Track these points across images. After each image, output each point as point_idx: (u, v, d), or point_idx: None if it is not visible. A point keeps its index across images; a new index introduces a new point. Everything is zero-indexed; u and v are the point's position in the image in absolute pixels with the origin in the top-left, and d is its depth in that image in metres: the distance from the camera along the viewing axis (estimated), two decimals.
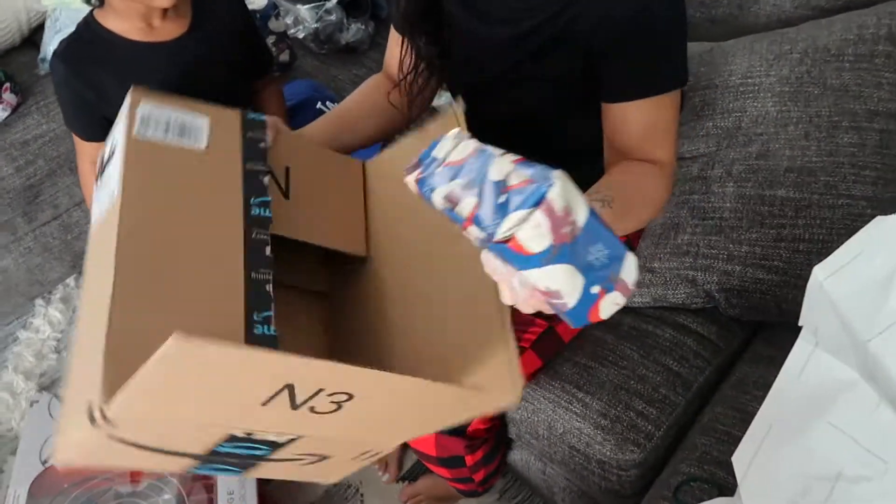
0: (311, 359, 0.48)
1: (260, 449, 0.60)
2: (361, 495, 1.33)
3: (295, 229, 0.71)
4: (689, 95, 1.02)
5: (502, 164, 0.50)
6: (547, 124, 0.87)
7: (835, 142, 0.89)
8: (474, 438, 0.94)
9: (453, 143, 0.54)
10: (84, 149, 1.02)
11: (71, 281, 1.78)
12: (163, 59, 0.94)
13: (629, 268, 0.53)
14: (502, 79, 0.83)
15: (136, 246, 0.60)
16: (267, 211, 0.68)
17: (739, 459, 0.68)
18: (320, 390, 0.52)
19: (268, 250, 0.66)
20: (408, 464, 1.32)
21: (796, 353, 0.69)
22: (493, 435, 1.00)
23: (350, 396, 0.53)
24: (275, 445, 0.59)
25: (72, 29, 1.39)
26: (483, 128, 0.68)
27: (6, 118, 1.48)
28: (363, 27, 1.46)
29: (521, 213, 0.46)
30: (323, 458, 0.65)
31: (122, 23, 0.92)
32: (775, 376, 0.89)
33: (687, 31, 0.75)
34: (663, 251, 0.98)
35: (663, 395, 0.91)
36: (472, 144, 0.53)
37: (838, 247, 0.68)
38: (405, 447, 1.31)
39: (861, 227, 0.64)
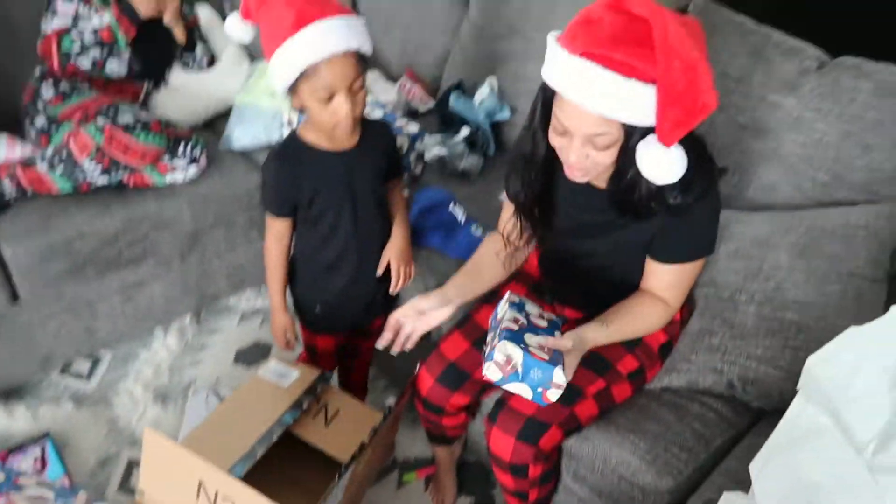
0: (212, 466, 1.13)
1: None
2: None
3: (315, 438, 1.37)
4: (727, 243, 1.43)
5: (493, 334, 1.14)
6: (608, 273, 1.29)
7: (827, 289, 1.29)
8: (542, 451, 1.24)
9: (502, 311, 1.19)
10: (273, 223, 1.40)
11: (187, 318, 2.13)
12: (339, 162, 1.35)
13: (558, 377, 1.05)
14: (587, 244, 1.27)
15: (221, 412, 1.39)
16: (292, 418, 1.34)
17: (754, 466, 1.02)
18: (217, 492, 1.12)
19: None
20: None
21: (796, 403, 1.05)
22: (554, 458, 1.31)
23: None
24: None
25: (255, 121, 1.88)
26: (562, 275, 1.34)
27: (197, 176, 1.91)
28: (477, 160, 1.93)
29: (486, 363, 1.08)
30: None
31: (315, 136, 1.33)
32: None
33: (718, 220, 1.19)
34: (699, 347, 1.35)
35: (692, 445, 1.25)
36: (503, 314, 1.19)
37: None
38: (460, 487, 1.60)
39: None
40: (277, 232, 1.41)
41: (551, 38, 1.04)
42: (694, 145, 1.06)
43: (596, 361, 1.27)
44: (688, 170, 1.03)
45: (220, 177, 1.95)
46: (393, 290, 1.48)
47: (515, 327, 1.11)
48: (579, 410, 1.24)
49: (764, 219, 1.45)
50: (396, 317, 1.29)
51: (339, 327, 1.56)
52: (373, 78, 2.31)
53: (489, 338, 1.16)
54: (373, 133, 1.38)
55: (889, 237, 1.34)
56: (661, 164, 1.01)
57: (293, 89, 1.23)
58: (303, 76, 1.19)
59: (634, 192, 1.09)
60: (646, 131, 1.01)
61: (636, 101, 0.97)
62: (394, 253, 1.45)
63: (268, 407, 1.37)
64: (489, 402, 1.44)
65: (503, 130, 2.06)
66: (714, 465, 1.25)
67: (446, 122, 2.05)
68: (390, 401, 1.37)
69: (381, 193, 1.43)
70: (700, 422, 1.29)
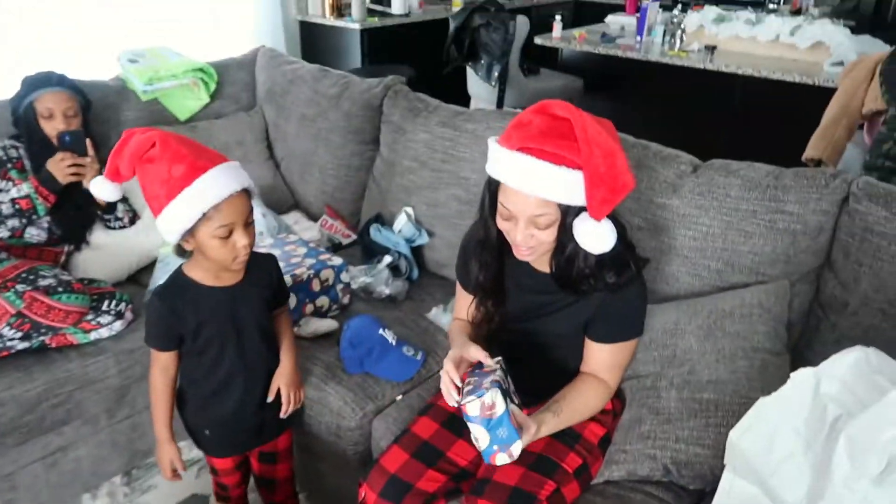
0: None
1: None
2: None
3: None
4: (641, 336, 1.53)
5: (484, 379, 1.20)
6: (555, 351, 1.38)
7: (735, 365, 1.40)
8: None
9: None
10: (158, 356, 1.43)
11: (117, 479, 2.03)
12: (224, 296, 1.40)
13: (516, 448, 1.15)
14: (533, 322, 1.37)
15: None
16: None
17: None
18: None
19: None
20: None
21: (725, 479, 1.11)
22: None
23: None
24: None
25: None
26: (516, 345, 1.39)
27: (122, 331, 1.90)
28: (402, 285, 2.01)
29: (472, 396, 1.16)
30: None
31: (200, 273, 1.39)
32: None
33: (646, 304, 1.32)
34: (632, 437, 1.41)
35: None
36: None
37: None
38: None
39: None
40: (162, 364, 1.44)
41: (491, 141, 1.22)
42: (620, 230, 1.23)
43: (542, 464, 1.30)
44: (619, 250, 1.21)
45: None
46: (283, 413, 1.53)
47: (504, 386, 1.19)
48: None
49: (670, 308, 1.57)
50: (447, 374, 1.28)
51: (231, 450, 1.57)
52: (294, 218, 2.41)
53: (473, 380, 1.23)
54: (257, 266, 1.46)
55: (781, 312, 1.48)
56: (594, 235, 1.17)
57: (190, 233, 1.30)
58: (204, 218, 1.27)
59: (573, 266, 1.24)
60: (579, 210, 1.18)
61: (568, 185, 1.14)
62: (283, 380, 1.51)
63: None
64: None
65: (423, 254, 2.16)
66: None
67: (368, 252, 2.14)
68: None
69: (265, 323, 1.50)
70: None
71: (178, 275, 1.42)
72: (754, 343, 1.42)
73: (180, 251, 1.36)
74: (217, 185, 1.27)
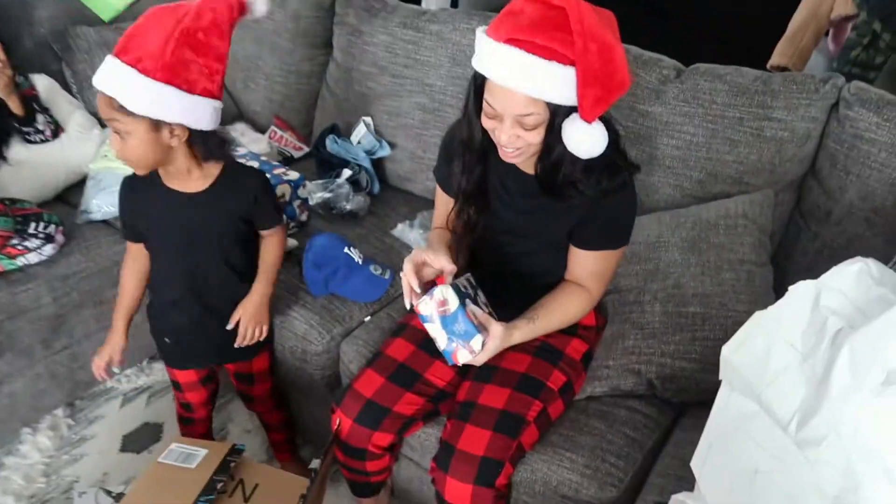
0: None
1: None
2: None
3: None
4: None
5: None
6: (537, 258, 1.29)
7: (721, 278, 1.35)
8: (500, 491, 1.20)
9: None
10: (128, 245, 1.39)
11: (59, 411, 1.90)
12: (181, 202, 1.28)
13: (476, 343, 1.11)
14: (517, 228, 1.27)
15: None
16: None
17: (695, 464, 1.02)
18: None
19: None
20: None
21: (721, 395, 1.07)
22: (507, 494, 1.26)
23: None
24: None
25: (115, 187, 1.75)
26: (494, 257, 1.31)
27: (54, 255, 1.72)
28: (363, 200, 1.88)
29: (425, 296, 1.11)
30: None
31: (166, 172, 1.27)
32: None
33: (636, 212, 1.23)
34: (614, 353, 1.37)
35: (626, 452, 1.25)
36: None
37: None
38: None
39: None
40: (131, 253, 1.40)
41: (479, 32, 1.08)
42: (613, 136, 1.12)
43: (527, 383, 1.24)
44: (608, 155, 1.11)
45: (81, 252, 1.77)
46: (237, 344, 1.41)
47: (462, 290, 1.15)
48: (525, 439, 1.21)
49: (652, 220, 1.50)
50: (405, 276, 1.20)
51: (190, 362, 1.49)
52: (240, 130, 2.22)
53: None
54: (233, 177, 1.31)
55: (766, 223, 1.44)
56: (584, 138, 1.06)
57: None
58: None
59: (560, 170, 1.13)
60: (569, 110, 1.05)
61: (558, 82, 1.01)
62: (245, 311, 1.39)
63: (176, 496, 1.22)
64: (414, 441, 1.38)
65: (385, 167, 2.03)
66: (650, 467, 1.25)
67: (325, 166, 1.99)
68: (314, 463, 1.26)
69: (229, 242, 1.36)
70: (629, 426, 1.29)
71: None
72: (740, 255, 1.38)
73: None
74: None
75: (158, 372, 2.04)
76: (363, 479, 1.40)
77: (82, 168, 1.96)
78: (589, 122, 1.05)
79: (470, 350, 1.11)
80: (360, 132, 1.97)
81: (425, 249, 1.20)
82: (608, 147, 1.10)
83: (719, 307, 1.32)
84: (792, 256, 1.51)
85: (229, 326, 1.39)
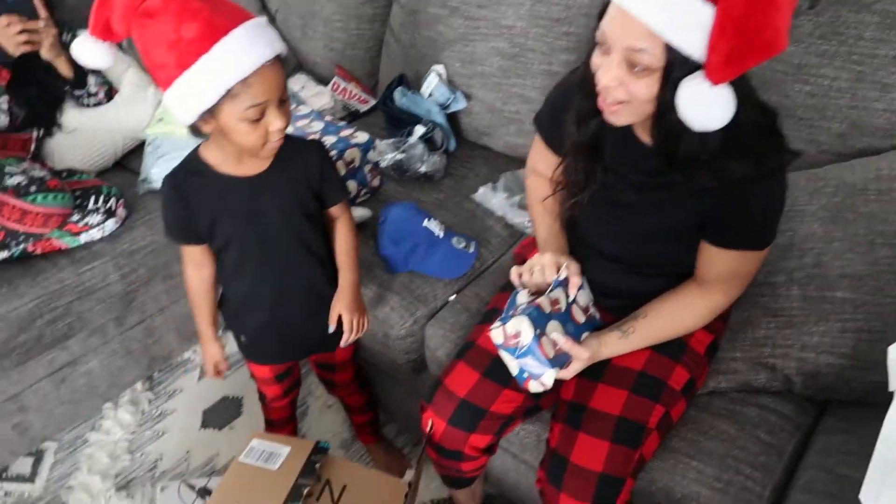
0: None
1: None
2: None
3: None
4: None
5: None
6: (654, 245, 1.10)
7: (875, 255, 1.14)
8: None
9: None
10: (186, 250, 1.23)
11: (139, 385, 1.86)
12: (243, 188, 1.14)
13: (548, 379, 1.01)
14: (632, 206, 1.08)
15: None
16: None
17: (866, 496, 0.85)
18: None
19: None
20: None
21: (892, 410, 0.89)
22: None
23: None
24: None
25: (174, 153, 1.61)
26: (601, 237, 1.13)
27: (117, 230, 1.63)
28: (440, 160, 1.71)
29: (498, 322, 1.02)
30: None
31: (219, 157, 1.13)
32: (854, 443, 1.09)
33: (783, 208, 1.01)
34: (742, 343, 1.19)
35: (763, 461, 1.09)
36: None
37: (893, 334, 0.90)
38: None
39: None
40: (192, 259, 1.24)
41: None
42: (762, 116, 0.92)
43: (647, 384, 1.09)
44: (755, 136, 0.91)
45: (146, 224, 1.67)
46: (344, 343, 1.29)
47: (548, 309, 1.04)
48: (646, 449, 1.07)
49: None
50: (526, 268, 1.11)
51: (267, 358, 1.39)
52: (301, 83, 2.05)
53: (523, 298, 1.08)
54: (290, 153, 1.16)
55: None
56: (701, 102, 0.84)
57: (210, 113, 1.00)
58: (228, 95, 0.97)
59: (678, 143, 0.92)
60: (692, 68, 0.84)
61: (690, 23, 0.80)
62: (343, 304, 1.26)
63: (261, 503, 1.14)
64: (513, 436, 1.25)
65: (461, 121, 1.84)
66: (789, 479, 1.09)
67: (394, 122, 1.81)
68: (408, 475, 1.16)
69: (300, 224, 1.22)
70: (763, 429, 1.13)
71: (193, 157, 1.16)
72: None
73: (195, 131, 1.06)
74: (244, 51, 0.96)
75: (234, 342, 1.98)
76: (457, 476, 1.30)
77: (139, 132, 1.84)
78: (714, 83, 0.82)
79: (541, 384, 1.03)
80: (432, 83, 1.78)
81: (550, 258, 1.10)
82: (759, 130, 0.90)
83: (874, 292, 1.12)
84: None
85: (331, 328, 1.26)
